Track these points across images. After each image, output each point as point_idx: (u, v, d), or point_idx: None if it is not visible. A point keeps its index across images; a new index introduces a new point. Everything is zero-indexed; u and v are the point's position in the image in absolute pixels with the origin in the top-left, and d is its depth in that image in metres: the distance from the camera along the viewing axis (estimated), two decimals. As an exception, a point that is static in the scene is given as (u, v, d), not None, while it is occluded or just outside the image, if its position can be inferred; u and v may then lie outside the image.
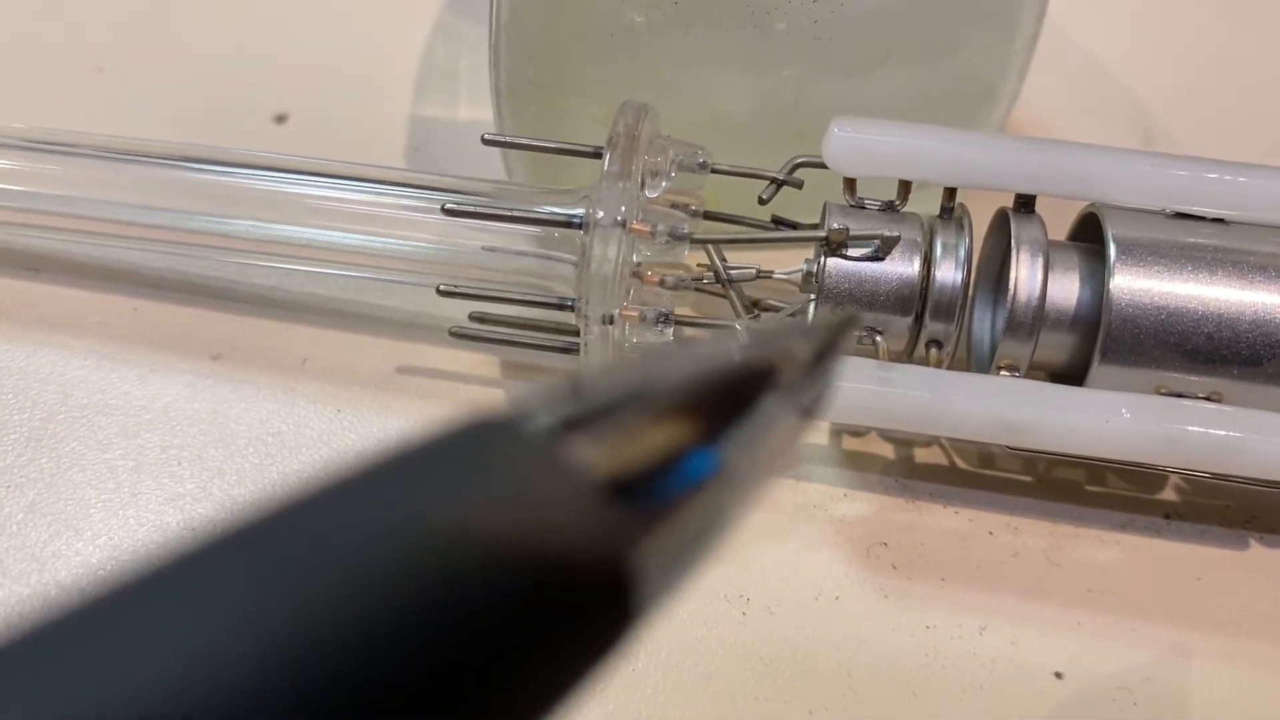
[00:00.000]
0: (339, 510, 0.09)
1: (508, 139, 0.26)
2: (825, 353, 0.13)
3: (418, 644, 0.08)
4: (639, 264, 0.24)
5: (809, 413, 0.13)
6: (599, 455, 0.10)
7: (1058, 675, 0.22)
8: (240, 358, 0.27)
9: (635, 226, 0.23)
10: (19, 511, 0.24)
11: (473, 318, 0.26)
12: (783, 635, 0.23)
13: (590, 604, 0.10)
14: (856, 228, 0.24)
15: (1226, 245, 0.23)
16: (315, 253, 0.26)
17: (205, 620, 0.08)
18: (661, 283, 0.24)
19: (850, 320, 0.15)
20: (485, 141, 0.26)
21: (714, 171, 0.25)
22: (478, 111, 0.33)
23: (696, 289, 0.25)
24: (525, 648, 0.09)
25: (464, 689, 0.09)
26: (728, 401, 0.12)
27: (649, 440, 0.11)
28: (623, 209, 0.23)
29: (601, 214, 0.23)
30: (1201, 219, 0.23)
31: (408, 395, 0.26)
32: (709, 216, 0.26)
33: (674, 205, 0.25)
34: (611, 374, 0.12)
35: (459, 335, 0.26)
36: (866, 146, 0.24)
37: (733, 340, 0.13)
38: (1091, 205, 0.24)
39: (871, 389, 0.23)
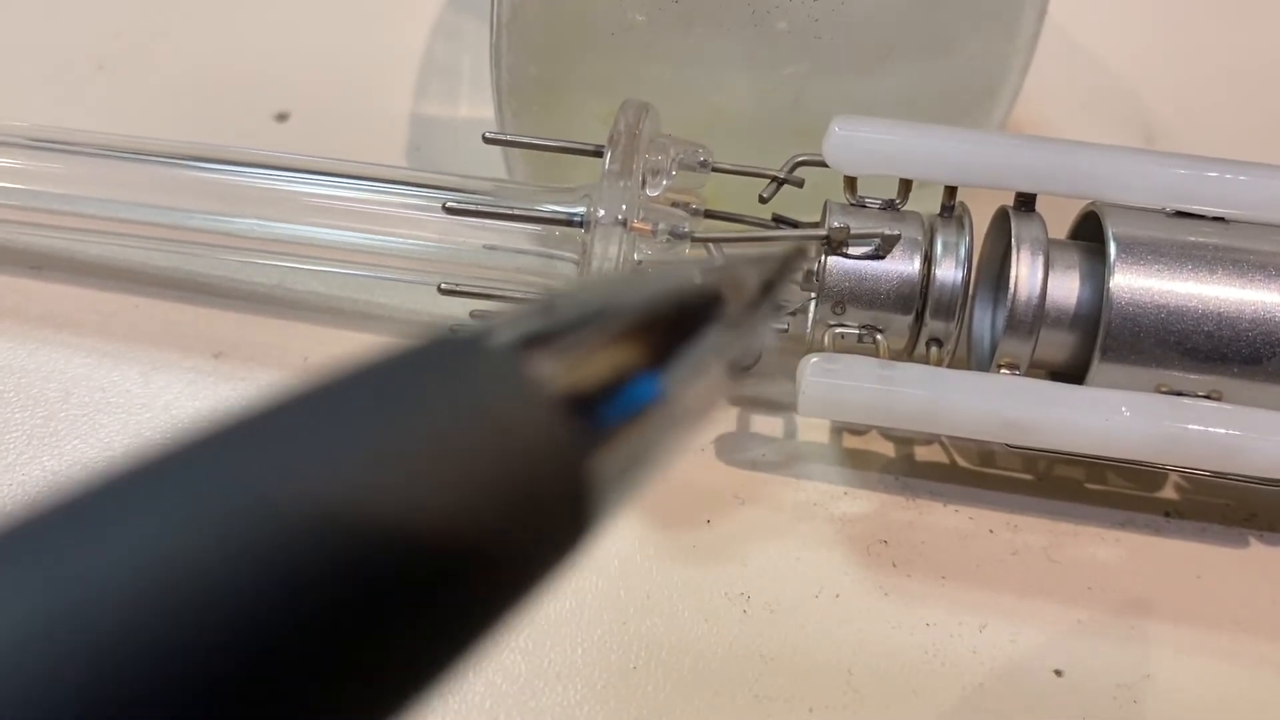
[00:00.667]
0: (304, 420, 0.09)
1: (509, 137, 0.26)
2: (772, 283, 0.14)
3: (381, 554, 0.09)
4: (640, 263, 0.24)
5: (745, 344, 0.13)
6: (557, 371, 0.10)
7: (1058, 673, 0.22)
8: (242, 356, 0.27)
9: (636, 225, 0.23)
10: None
11: (474, 316, 0.26)
12: (783, 633, 0.23)
13: (548, 513, 0.10)
14: (857, 226, 0.24)
15: (1227, 244, 0.23)
16: (316, 251, 0.26)
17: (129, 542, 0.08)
18: None
19: (798, 252, 0.15)
20: (486, 140, 0.26)
21: (715, 170, 0.25)
22: (479, 110, 0.33)
23: None
24: (487, 554, 0.09)
25: (427, 596, 0.09)
26: (677, 327, 0.12)
27: (603, 360, 0.11)
28: (624, 207, 0.23)
29: (602, 212, 0.23)
30: (1202, 218, 0.23)
31: (409, 393, 0.26)
32: (710, 215, 0.26)
33: (674, 204, 0.25)
34: (577, 293, 0.13)
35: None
36: (867, 145, 0.24)
37: (695, 267, 0.13)
38: (1092, 204, 0.24)
39: (872, 387, 0.23)
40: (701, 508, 0.24)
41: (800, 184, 0.25)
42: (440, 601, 0.09)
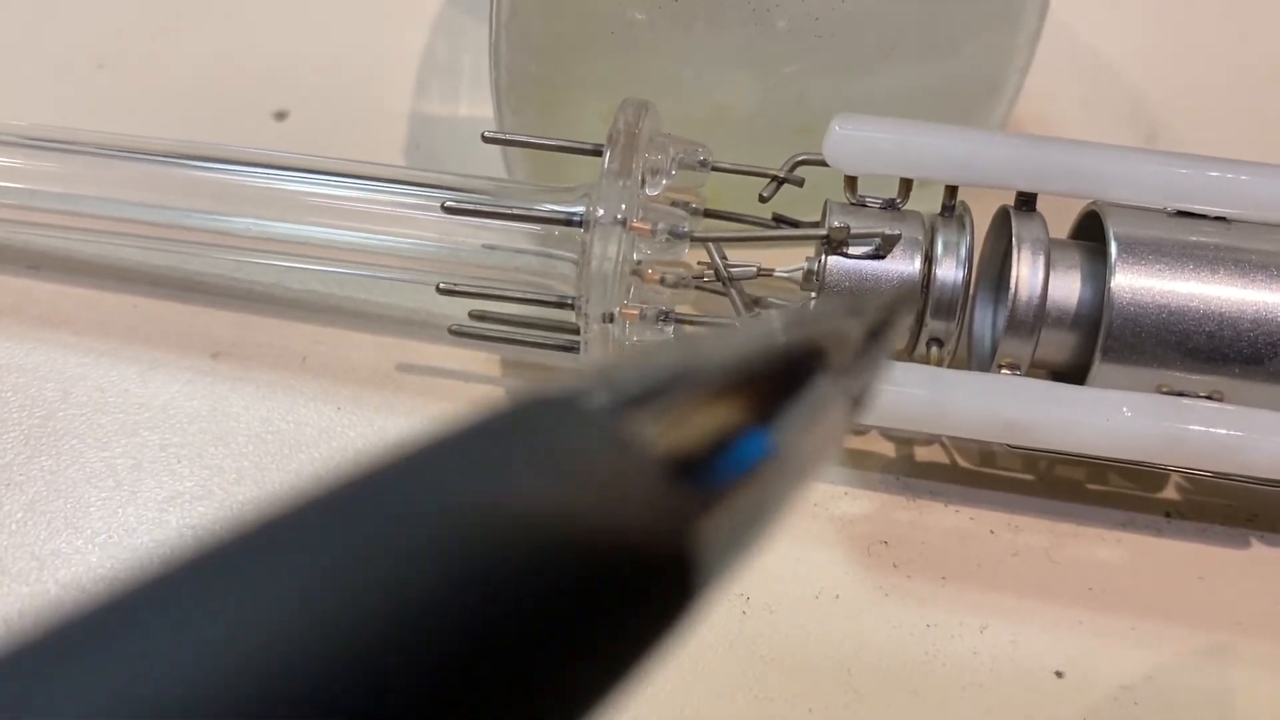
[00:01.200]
0: (400, 488, 0.09)
1: (508, 137, 0.26)
2: (878, 334, 0.13)
3: (481, 624, 0.08)
4: (639, 262, 0.24)
5: (860, 396, 0.13)
6: (658, 433, 0.10)
7: (1058, 674, 0.22)
8: (240, 355, 0.27)
9: (635, 225, 0.23)
10: (19, 509, 0.24)
11: (473, 315, 0.26)
12: (783, 634, 0.23)
13: (653, 582, 0.09)
14: (857, 226, 0.24)
15: (1228, 244, 0.23)
16: (315, 250, 0.26)
17: (260, 604, 0.08)
18: (662, 281, 0.24)
19: (906, 299, 0.14)
20: (486, 139, 0.26)
21: (715, 169, 0.25)
22: (478, 109, 0.33)
23: (697, 287, 0.25)
24: (589, 626, 0.09)
25: (528, 668, 0.09)
26: (780, 382, 0.11)
27: (705, 419, 0.10)
28: (623, 207, 0.23)
29: (602, 212, 0.23)
30: (1203, 217, 0.23)
31: (407, 393, 0.26)
32: (709, 214, 0.26)
33: (674, 203, 0.25)
34: (662, 354, 0.12)
35: (459, 333, 0.26)
36: (867, 144, 0.24)
37: (776, 320, 0.13)
38: (1093, 203, 0.24)
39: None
40: None
41: (800, 183, 0.25)
42: (543, 674, 0.09)
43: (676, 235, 0.24)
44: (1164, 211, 0.23)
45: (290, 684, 0.08)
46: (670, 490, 0.10)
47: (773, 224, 0.25)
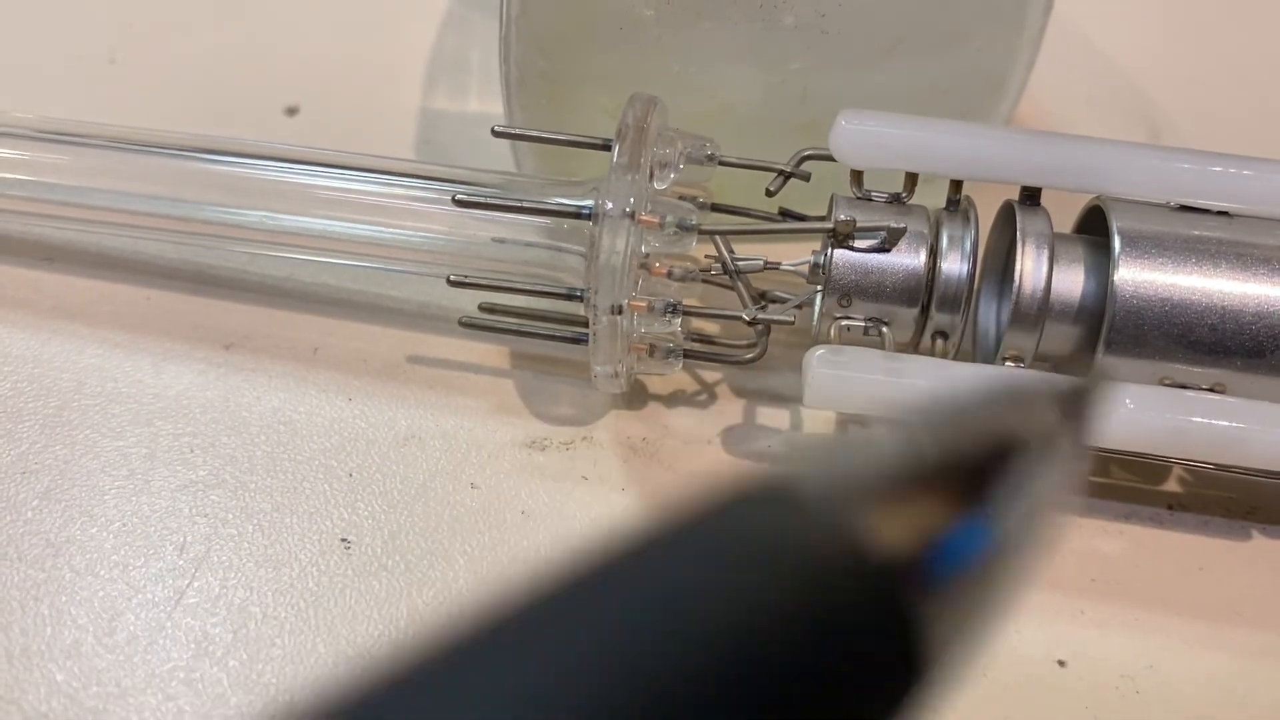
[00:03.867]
0: (632, 584, 0.09)
1: (518, 131, 0.26)
2: (1078, 420, 0.13)
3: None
4: (647, 255, 0.24)
5: (1070, 472, 0.13)
6: (879, 526, 0.10)
7: (1061, 663, 0.23)
8: (252, 347, 0.27)
9: (644, 218, 0.23)
10: (34, 498, 0.24)
11: (482, 308, 0.26)
12: None
13: (882, 676, 0.10)
14: (863, 220, 0.24)
15: (1231, 238, 0.23)
16: (326, 243, 0.26)
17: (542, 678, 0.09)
18: (669, 274, 0.24)
19: (1100, 385, 0.14)
20: (495, 133, 0.26)
21: (721, 164, 0.26)
22: (488, 104, 0.33)
23: (704, 280, 0.25)
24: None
25: None
26: (994, 471, 0.11)
27: (925, 513, 0.11)
28: (631, 200, 0.23)
29: (610, 205, 0.23)
30: (1206, 212, 0.24)
31: (418, 384, 0.26)
32: (716, 208, 0.26)
33: (681, 197, 0.25)
34: (871, 443, 0.12)
35: (469, 325, 0.26)
36: (873, 139, 0.24)
37: (980, 404, 0.13)
38: (1096, 198, 0.24)
39: (878, 379, 0.23)
40: None
41: (807, 178, 0.25)
42: None
43: (684, 228, 0.24)
44: (1167, 206, 0.24)
45: None
46: (893, 584, 0.10)
47: (779, 218, 0.26)
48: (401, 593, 0.23)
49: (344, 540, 0.24)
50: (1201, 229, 0.23)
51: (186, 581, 0.23)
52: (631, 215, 0.23)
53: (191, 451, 0.25)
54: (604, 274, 0.23)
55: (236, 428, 0.25)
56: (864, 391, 0.23)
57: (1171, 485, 0.26)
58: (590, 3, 0.26)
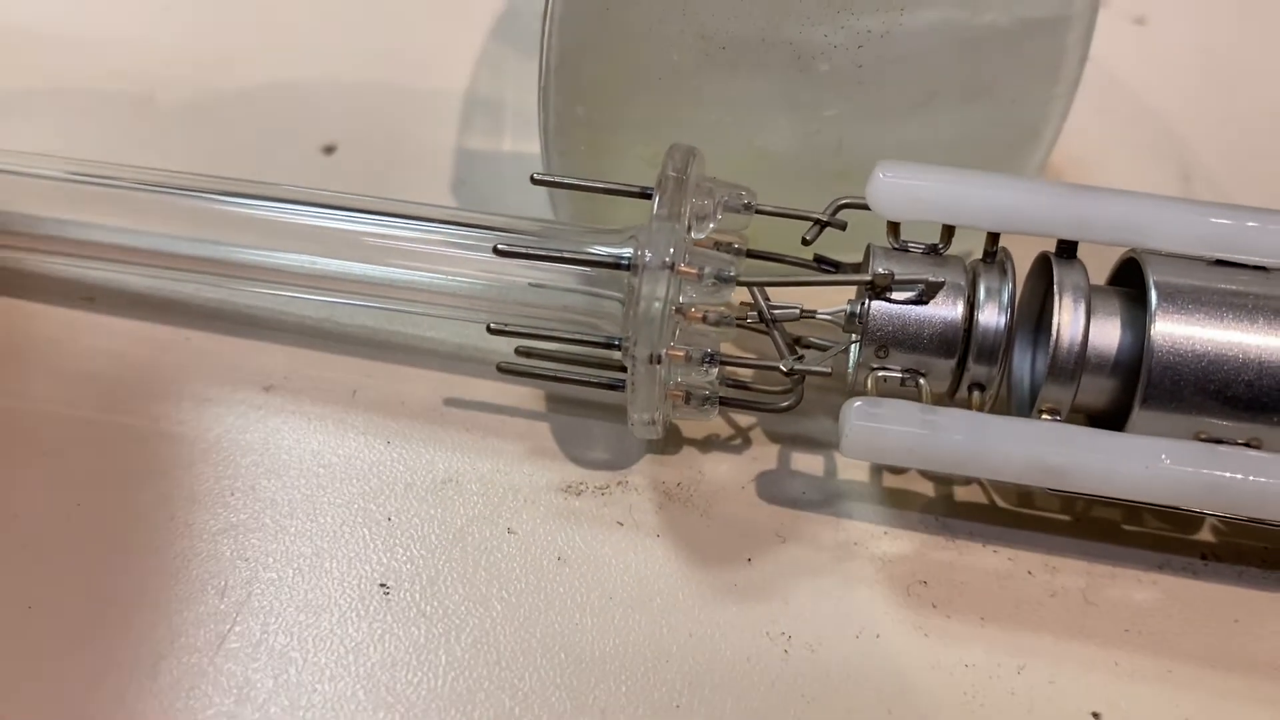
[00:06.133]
0: None
1: (557, 179, 0.26)
2: None
3: None
4: (683, 301, 0.24)
5: None
6: None
7: (1095, 715, 0.23)
8: (291, 388, 0.27)
9: (683, 269, 0.24)
10: (78, 541, 0.24)
11: (519, 352, 0.27)
12: (824, 673, 0.23)
13: None
14: (900, 271, 0.24)
15: (1267, 292, 0.23)
16: (364, 287, 0.27)
17: None
18: (704, 319, 0.24)
19: None
20: (535, 181, 0.26)
21: (758, 212, 0.26)
22: (522, 144, 0.33)
23: (739, 326, 0.25)
24: None
25: None
26: None
27: None
28: (671, 251, 0.23)
29: (650, 255, 0.23)
30: (1242, 266, 0.24)
31: (455, 427, 0.27)
32: (752, 255, 0.26)
33: (717, 244, 0.26)
34: None
35: (507, 370, 0.26)
36: (910, 192, 0.24)
37: None
38: (1131, 250, 0.25)
39: (915, 432, 0.23)
40: (743, 546, 0.25)
41: (843, 226, 0.25)
42: None
43: (722, 280, 0.24)
44: (1203, 260, 0.24)
45: None
46: None
47: (814, 265, 0.26)
48: (440, 639, 0.23)
49: (383, 585, 0.24)
50: (1237, 283, 0.23)
51: (228, 626, 0.23)
52: (671, 265, 0.23)
53: (232, 495, 0.25)
54: (643, 324, 0.23)
55: (276, 470, 0.26)
56: (901, 443, 0.23)
57: (1205, 535, 0.26)
58: (629, 54, 0.26)
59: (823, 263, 0.26)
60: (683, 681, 0.23)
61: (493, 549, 0.25)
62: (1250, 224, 0.24)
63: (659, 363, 0.23)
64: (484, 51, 0.36)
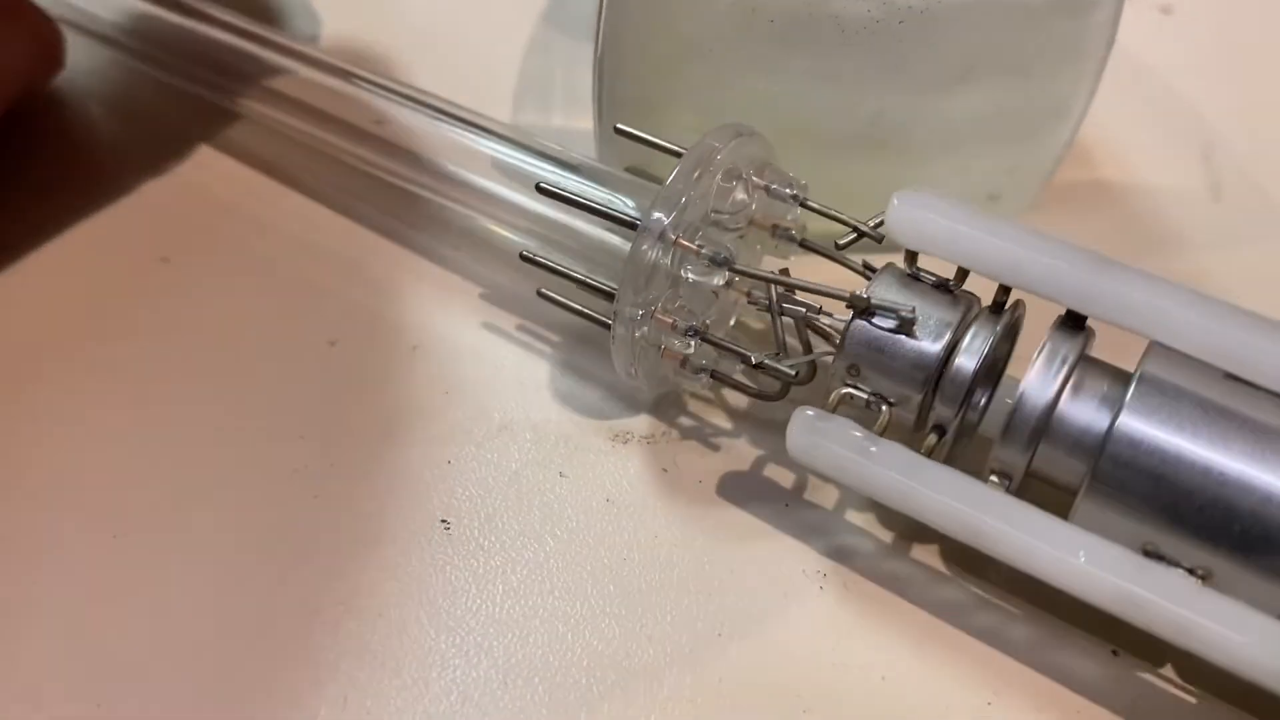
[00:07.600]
0: None
1: (637, 133, 0.27)
2: None
3: None
4: (680, 274, 0.25)
5: None
6: None
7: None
8: (355, 344, 0.29)
9: (681, 242, 0.25)
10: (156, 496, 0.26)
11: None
12: (858, 608, 0.24)
13: None
14: (880, 298, 0.24)
15: (1265, 422, 0.21)
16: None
17: None
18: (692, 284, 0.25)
19: None
20: (617, 131, 0.27)
21: (803, 206, 0.26)
22: (573, 119, 0.35)
23: (749, 302, 0.26)
24: None
25: None
26: None
27: None
28: (668, 218, 0.24)
29: (656, 216, 0.24)
30: (1256, 388, 0.21)
31: (509, 381, 0.29)
32: (804, 245, 0.27)
33: (775, 226, 0.27)
34: None
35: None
36: (922, 226, 0.23)
37: None
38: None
39: (848, 455, 0.23)
40: (781, 494, 0.26)
41: (880, 240, 0.25)
42: None
43: (716, 262, 0.25)
44: (1217, 371, 0.22)
45: None
46: None
47: (860, 269, 0.26)
48: (497, 571, 0.25)
49: (444, 521, 0.26)
50: (1239, 403, 0.21)
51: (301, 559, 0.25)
52: (668, 232, 0.24)
53: (301, 438, 0.27)
54: (627, 281, 0.25)
55: (341, 419, 0.28)
56: (833, 462, 0.23)
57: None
58: (682, 27, 0.27)
59: (840, 263, 0.26)
60: (724, 613, 0.24)
61: (545, 490, 0.26)
62: (1265, 344, 0.21)
63: (640, 320, 0.25)
64: (533, 37, 0.37)
